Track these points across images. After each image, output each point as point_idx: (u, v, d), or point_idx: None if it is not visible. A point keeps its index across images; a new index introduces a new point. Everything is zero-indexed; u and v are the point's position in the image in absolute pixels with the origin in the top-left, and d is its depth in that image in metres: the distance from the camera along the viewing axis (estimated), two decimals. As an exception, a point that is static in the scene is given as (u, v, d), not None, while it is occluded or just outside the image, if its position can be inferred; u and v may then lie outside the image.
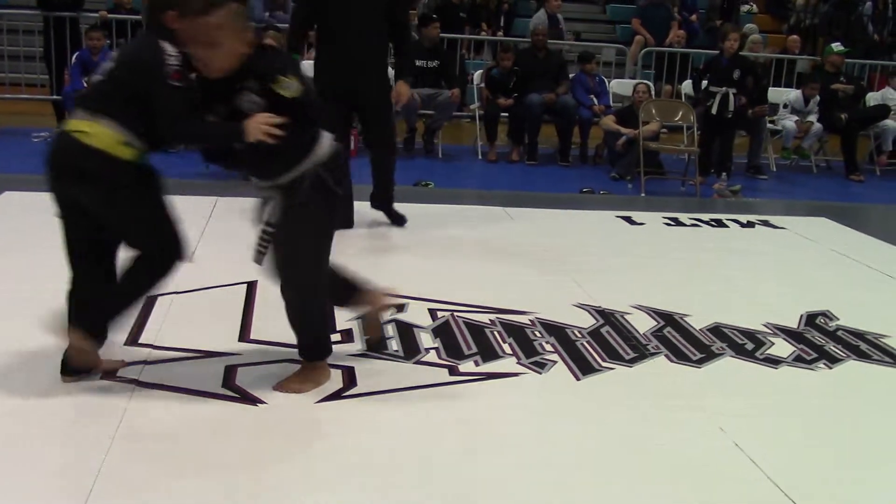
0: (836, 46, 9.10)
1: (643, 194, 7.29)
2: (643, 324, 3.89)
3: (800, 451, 2.87)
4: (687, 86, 9.06)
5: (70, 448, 2.57)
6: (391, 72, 5.84)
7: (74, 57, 7.90)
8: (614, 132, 8.00)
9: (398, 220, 5.37)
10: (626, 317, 3.96)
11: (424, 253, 4.84)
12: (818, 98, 8.80)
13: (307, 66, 4.73)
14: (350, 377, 3.16)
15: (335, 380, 3.12)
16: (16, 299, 3.69)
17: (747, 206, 6.93)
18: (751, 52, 9.79)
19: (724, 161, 7.73)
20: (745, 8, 11.94)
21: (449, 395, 3.11)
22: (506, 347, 3.52)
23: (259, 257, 2.93)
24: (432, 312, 3.84)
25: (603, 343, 3.64)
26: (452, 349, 3.46)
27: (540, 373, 3.32)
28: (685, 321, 3.95)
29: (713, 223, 6.08)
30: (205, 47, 2.66)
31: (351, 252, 4.69)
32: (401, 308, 3.77)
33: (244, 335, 3.48)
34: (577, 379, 3.30)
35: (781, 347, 3.74)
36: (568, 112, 8.32)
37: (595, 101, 8.53)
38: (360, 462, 2.61)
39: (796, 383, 3.42)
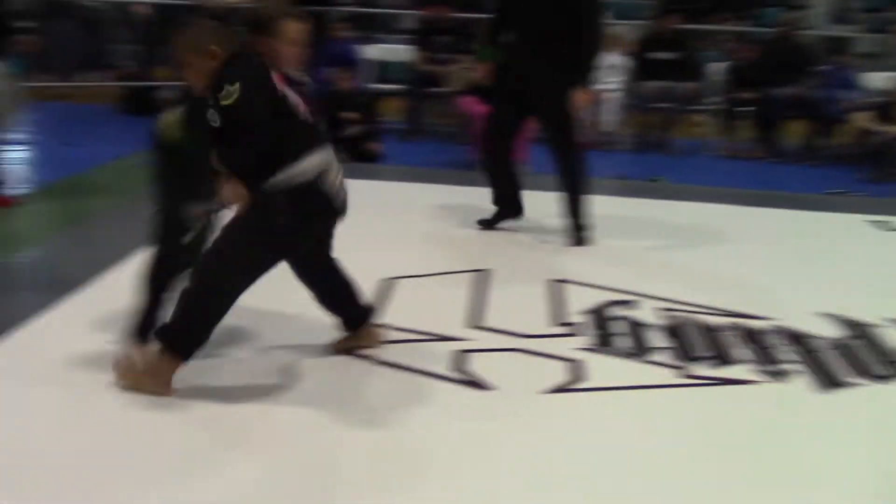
0: None
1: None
2: (898, 339, 3.57)
3: None
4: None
5: (304, 425, 2.74)
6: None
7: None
8: (868, 129, 7.39)
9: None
10: (879, 330, 3.65)
11: (657, 251, 4.71)
12: None
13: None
14: (579, 371, 3.13)
15: (562, 372, 3.10)
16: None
17: None
18: None
19: None
20: None
21: (678, 398, 3.01)
22: (743, 353, 3.35)
23: None
24: (666, 312, 3.73)
25: (851, 357, 3.38)
26: (686, 351, 3.35)
27: (779, 382, 3.14)
28: (949, 339, 3.59)
29: None
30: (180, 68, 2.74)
31: (587, 249, 4.66)
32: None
33: (474, 321, 3.54)
34: (820, 392, 3.08)
35: None
36: (817, 107, 7.79)
37: (847, 95, 7.92)
38: (575, 456, 2.58)
39: None
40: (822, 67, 8.11)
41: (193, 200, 2.87)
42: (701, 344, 3.42)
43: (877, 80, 8.38)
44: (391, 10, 9.60)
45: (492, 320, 3.54)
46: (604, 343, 3.39)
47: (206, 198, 2.86)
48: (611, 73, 8.12)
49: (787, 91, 7.71)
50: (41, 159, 6.23)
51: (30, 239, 4.50)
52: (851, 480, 2.55)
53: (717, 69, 8.39)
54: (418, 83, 8.04)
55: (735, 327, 3.60)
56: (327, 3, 8.82)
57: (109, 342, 3.05)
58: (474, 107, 6.70)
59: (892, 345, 3.51)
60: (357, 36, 8.58)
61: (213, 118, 2.61)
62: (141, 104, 8.51)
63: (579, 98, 4.52)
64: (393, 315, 3.52)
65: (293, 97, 2.74)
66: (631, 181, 6.65)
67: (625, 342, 3.41)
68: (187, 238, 2.90)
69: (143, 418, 2.65)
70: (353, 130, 6.96)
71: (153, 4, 8.53)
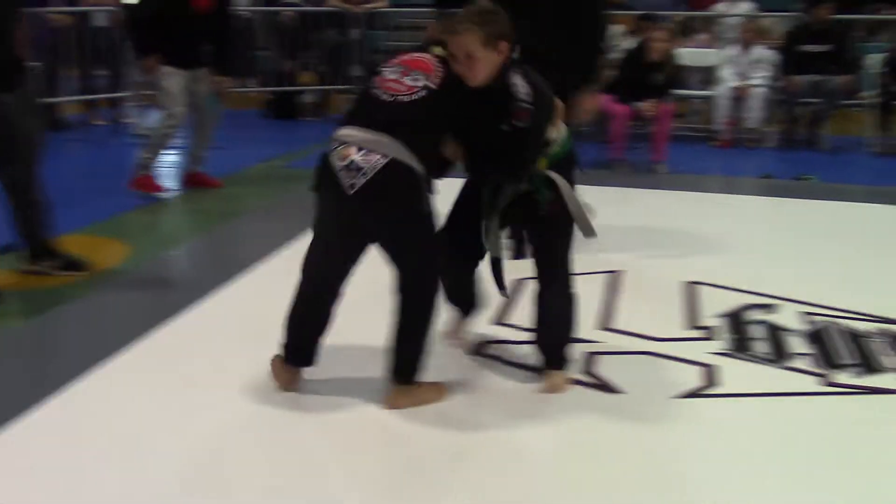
0: None
1: None
2: None
3: None
4: None
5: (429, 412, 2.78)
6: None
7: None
8: None
9: None
10: None
11: (802, 252, 4.51)
12: None
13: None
14: (712, 376, 3.04)
15: (694, 377, 3.03)
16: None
17: None
18: None
19: None
20: None
21: (818, 406, 2.87)
22: (891, 361, 3.17)
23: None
24: (807, 316, 3.57)
25: None
26: (828, 357, 3.19)
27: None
28: None
29: None
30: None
31: (720, 244, 4.52)
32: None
33: (605, 323, 3.50)
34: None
35: None
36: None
37: None
38: (708, 460, 2.50)
39: None
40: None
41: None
42: (845, 350, 3.26)
43: None
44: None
45: (623, 323, 3.49)
46: (740, 348, 3.28)
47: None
48: (757, 68, 7.83)
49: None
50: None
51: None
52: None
53: (874, 61, 7.95)
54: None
55: (883, 333, 3.41)
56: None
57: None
58: (611, 105, 6.61)
59: None
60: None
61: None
62: (285, 109, 8.87)
63: (586, 103, 4.06)
64: (524, 317, 3.52)
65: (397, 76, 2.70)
66: (776, 180, 6.40)
67: (763, 347, 3.29)
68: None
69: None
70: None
71: (298, 12, 8.85)
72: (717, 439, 2.65)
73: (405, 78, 2.59)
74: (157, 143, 5.53)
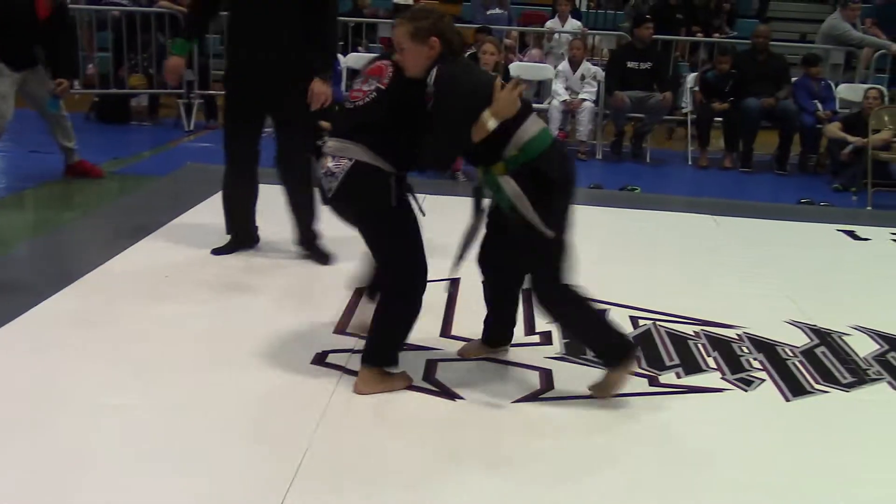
0: None
1: (869, 207, 6.78)
2: (864, 347, 3.62)
3: None
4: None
5: (278, 430, 2.72)
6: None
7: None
8: (840, 140, 7.50)
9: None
10: (845, 338, 3.70)
11: (627, 259, 4.74)
12: None
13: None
14: (548, 380, 3.15)
15: (533, 381, 3.12)
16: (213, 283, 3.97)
17: None
18: None
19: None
20: None
21: (646, 406, 3.03)
22: (710, 361, 3.39)
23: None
24: (633, 320, 3.76)
25: (817, 364, 3.42)
26: (653, 359, 3.37)
27: (746, 390, 3.17)
28: (913, 347, 3.64)
29: (950, 242, 5.56)
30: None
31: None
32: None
33: (445, 331, 3.55)
34: (787, 400, 3.12)
35: None
36: (789, 118, 7.90)
37: (819, 106, 8.03)
38: (551, 463, 2.59)
39: None
40: (794, 79, 8.20)
41: None
42: (668, 352, 3.45)
43: (846, 91, 8.51)
44: (367, 20, 9.62)
45: (463, 330, 3.55)
46: (575, 352, 3.41)
47: None
48: (586, 84, 8.18)
49: (760, 102, 7.79)
50: (7, 167, 6.22)
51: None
52: (817, 486, 2.58)
53: (691, 79, 8.48)
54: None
55: (703, 335, 3.63)
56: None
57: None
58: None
59: (857, 352, 3.55)
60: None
61: None
62: (113, 112, 8.47)
63: (318, 89, 4.03)
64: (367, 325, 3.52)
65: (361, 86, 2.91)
66: (605, 190, 6.70)
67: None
68: None
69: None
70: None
71: (126, 12, 8.49)
72: (553, 440, 2.75)
73: (364, 85, 2.86)
74: None
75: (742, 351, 3.50)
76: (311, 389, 2.96)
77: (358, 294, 3.47)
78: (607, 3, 10.77)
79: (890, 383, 3.29)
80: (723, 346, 3.53)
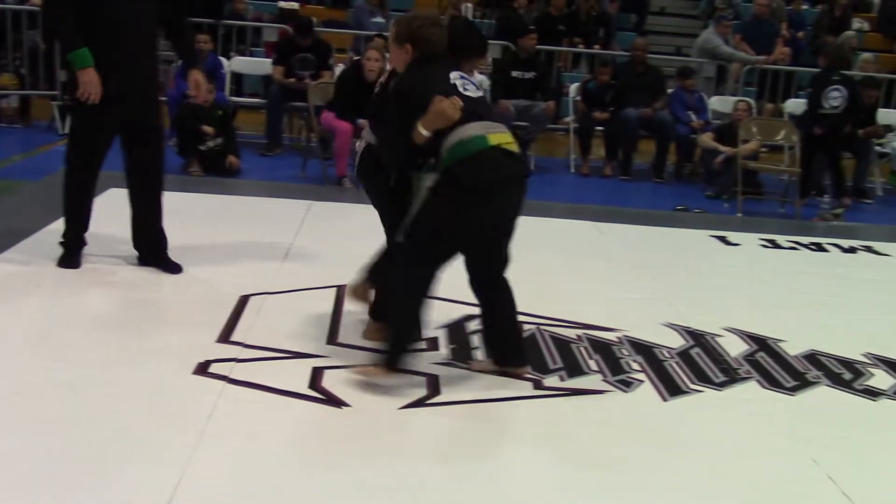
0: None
1: (740, 214, 7.11)
2: (735, 347, 3.79)
3: (895, 487, 2.75)
4: (791, 104, 8.81)
5: (158, 443, 2.65)
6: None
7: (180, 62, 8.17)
8: (712, 150, 7.83)
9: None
10: (718, 339, 3.86)
11: (511, 265, 4.81)
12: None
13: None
14: (434, 385, 3.17)
15: (420, 387, 3.13)
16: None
17: (850, 230, 6.68)
18: (861, 70, 9.46)
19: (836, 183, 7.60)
20: (855, 26, 11.52)
21: (531, 409, 3.09)
22: (592, 364, 3.48)
23: None
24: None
25: (692, 365, 3.56)
26: (537, 363, 3.44)
27: (626, 391, 3.27)
28: (779, 347, 3.83)
29: (813, 247, 5.89)
30: None
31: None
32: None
33: (332, 338, 3.53)
34: (664, 400, 3.24)
35: (882, 379, 3.59)
36: (665, 128, 8.20)
37: (693, 117, 8.37)
38: (441, 468, 2.61)
39: (896, 418, 3.28)
40: (670, 90, 8.52)
41: None
42: (552, 356, 3.52)
43: (718, 103, 8.90)
44: (252, 24, 9.47)
45: (350, 337, 3.53)
46: (462, 357, 3.44)
47: None
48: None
49: (638, 112, 8.06)
50: None
51: None
52: (694, 484, 2.68)
53: (574, 90, 8.70)
54: (277, 97, 7.95)
55: (585, 339, 3.73)
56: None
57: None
58: (335, 121, 6.69)
59: (729, 352, 3.72)
60: (215, 48, 8.41)
61: None
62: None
63: (201, 78, 4.18)
64: (250, 333, 3.46)
65: None
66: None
67: (481, 355, 3.47)
68: None
69: None
70: (211, 144, 6.83)
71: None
72: (440, 446, 2.77)
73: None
74: None
75: (622, 353, 3.61)
76: (193, 401, 2.89)
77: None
78: (493, 12, 10.91)
79: (759, 381, 3.46)
80: (604, 349, 3.63)
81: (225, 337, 3.42)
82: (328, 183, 6.85)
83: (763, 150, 7.89)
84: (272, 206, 5.64)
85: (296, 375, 3.13)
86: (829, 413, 3.26)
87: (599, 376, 3.37)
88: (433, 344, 3.54)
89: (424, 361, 3.35)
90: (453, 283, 4.23)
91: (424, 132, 2.94)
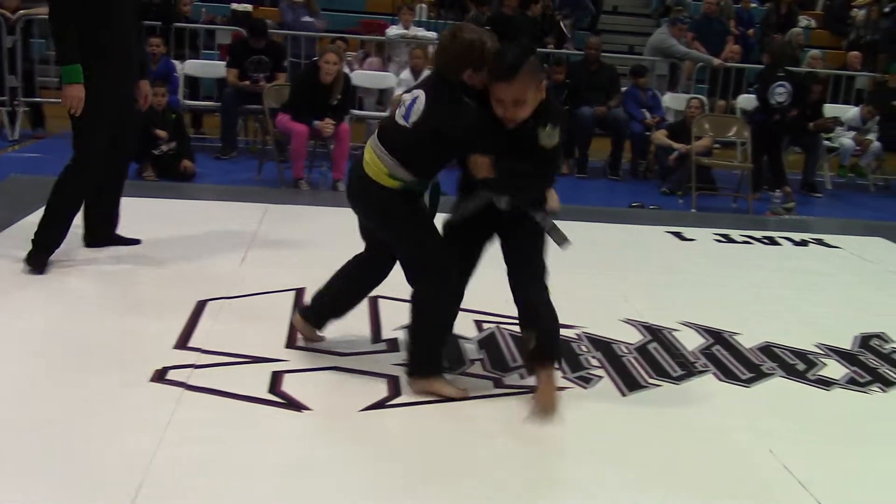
0: (904, 64, 8.94)
1: (694, 210, 7.21)
2: (692, 341, 3.84)
3: (850, 476, 2.80)
4: (742, 100, 8.96)
5: (116, 451, 2.61)
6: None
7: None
8: (666, 147, 7.94)
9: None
10: (675, 333, 3.91)
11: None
12: (877, 118, 8.66)
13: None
14: (395, 386, 3.16)
15: (380, 388, 3.13)
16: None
17: (801, 224, 6.81)
18: (810, 66, 9.65)
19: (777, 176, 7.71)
20: (802, 23, 11.76)
21: (492, 407, 3.10)
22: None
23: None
24: (478, 324, 3.83)
25: (650, 359, 3.60)
26: (498, 361, 3.45)
27: (585, 387, 3.30)
28: (735, 339, 3.89)
29: (765, 241, 5.99)
30: (512, 105, 2.83)
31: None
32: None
33: (291, 341, 3.51)
34: (623, 395, 3.27)
35: (834, 369, 3.67)
36: (619, 125, 8.28)
37: (647, 114, 8.47)
38: (403, 470, 2.61)
39: (849, 406, 3.35)
40: (624, 89, 8.62)
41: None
42: (512, 354, 3.54)
43: (671, 101, 9.02)
44: (205, 27, 9.38)
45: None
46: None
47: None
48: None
49: (593, 110, 8.14)
50: None
51: None
52: (651, 476, 2.71)
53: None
54: (232, 100, 7.89)
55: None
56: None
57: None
58: (290, 123, 6.66)
59: (685, 346, 3.77)
60: (167, 52, 8.31)
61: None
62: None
63: (147, 88, 4.50)
64: (208, 338, 3.43)
65: None
66: (445, 196, 6.79)
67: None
68: None
69: None
70: (165, 148, 6.76)
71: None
72: (403, 445, 2.76)
73: None
74: None
75: (581, 350, 3.64)
76: (151, 408, 2.85)
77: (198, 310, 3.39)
78: (447, 13, 10.95)
79: (715, 374, 3.51)
80: (563, 346, 3.64)
81: (182, 343, 3.39)
82: (284, 185, 6.82)
83: (716, 146, 8.01)
84: (228, 210, 5.58)
85: (255, 380, 3.11)
86: (785, 404, 3.32)
87: (559, 373, 3.39)
88: (393, 345, 3.54)
89: (385, 363, 3.35)
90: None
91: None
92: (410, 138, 2.95)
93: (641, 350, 3.70)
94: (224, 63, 8.15)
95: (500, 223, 3.13)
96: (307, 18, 9.23)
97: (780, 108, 7.84)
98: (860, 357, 3.82)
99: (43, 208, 4.16)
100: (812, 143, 8.41)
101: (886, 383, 3.56)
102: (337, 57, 6.71)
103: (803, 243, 5.98)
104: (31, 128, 8.06)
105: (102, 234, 4.45)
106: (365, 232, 3.28)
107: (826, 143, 8.70)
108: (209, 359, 3.25)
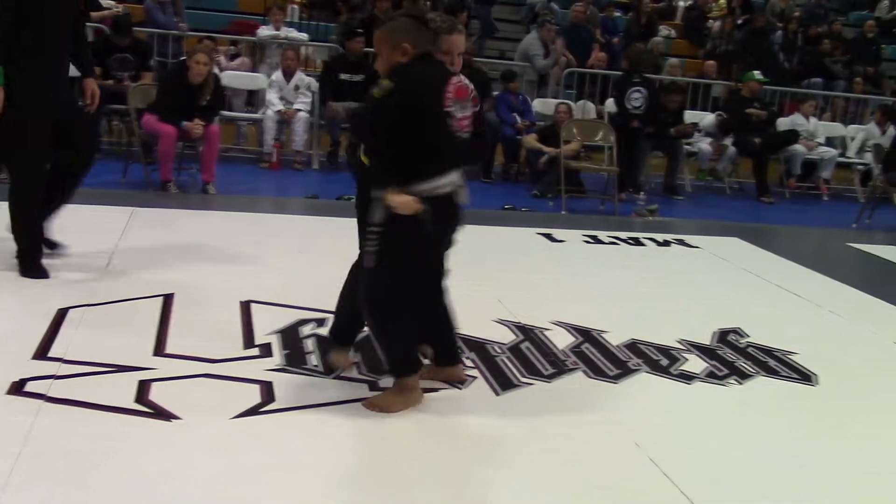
0: (757, 74, 9.42)
1: (564, 212, 7.40)
2: (562, 340, 3.94)
3: (711, 465, 2.94)
4: (610, 105, 9.25)
5: None
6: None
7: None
8: (536, 150, 8.11)
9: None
10: (546, 333, 4.00)
11: (341, 267, 4.80)
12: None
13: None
14: (268, 392, 3.11)
15: (252, 395, 3.07)
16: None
17: (664, 225, 7.10)
18: (669, 75, 10.07)
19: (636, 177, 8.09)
20: (663, 33, 12.25)
21: (368, 410, 3.09)
22: (426, 363, 3.51)
23: (369, 258, 2.98)
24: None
25: (522, 359, 3.68)
26: (373, 364, 3.44)
27: (460, 388, 3.33)
28: (603, 337, 4.02)
29: (631, 241, 6.21)
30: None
31: (273, 262, 4.65)
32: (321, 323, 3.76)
33: (159, 349, 3.40)
34: (497, 394, 3.32)
35: (695, 363, 3.83)
36: (491, 129, 8.41)
37: (518, 119, 8.64)
38: (276, 478, 2.57)
39: (708, 398, 3.51)
40: (496, 93, 8.76)
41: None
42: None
43: (540, 106, 9.23)
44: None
45: (178, 347, 3.42)
46: (295, 362, 3.40)
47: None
48: (300, 94, 8.19)
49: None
50: None
51: None
52: (524, 471, 2.77)
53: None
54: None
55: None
56: None
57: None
58: (158, 124, 6.45)
59: (556, 345, 3.86)
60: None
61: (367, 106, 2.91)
62: None
63: (96, 88, 4.45)
64: (70, 347, 3.28)
65: (460, 115, 2.94)
66: (322, 200, 6.75)
67: (315, 360, 3.44)
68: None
69: None
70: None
71: None
72: (276, 452, 2.72)
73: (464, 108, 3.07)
74: None
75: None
76: (6, 423, 2.70)
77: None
78: (319, 14, 10.84)
79: (585, 372, 3.61)
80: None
81: (42, 353, 3.23)
82: (151, 188, 6.60)
83: (583, 150, 8.25)
84: (92, 214, 5.35)
85: (121, 389, 2.99)
86: (650, 398, 3.45)
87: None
88: (266, 350, 3.48)
89: (257, 368, 3.29)
90: (286, 288, 4.19)
91: None
92: None
93: (514, 349, 3.77)
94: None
95: None
96: (175, 18, 8.99)
97: (637, 112, 8.23)
98: (718, 351, 4.01)
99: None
100: (673, 148, 8.78)
101: (742, 376, 3.75)
102: (207, 57, 6.55)
103: (666, 244, 6.24)
104: None
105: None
106: None
107: (686, 147, 9.09)
108: (71, 369, 3.11)
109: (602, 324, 4.16)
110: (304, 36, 9.38)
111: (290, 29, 9.40)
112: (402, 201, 2.84)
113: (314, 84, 8.28)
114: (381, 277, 2.97)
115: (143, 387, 3.04)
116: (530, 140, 8.23)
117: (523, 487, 2.67)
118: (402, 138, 2.87)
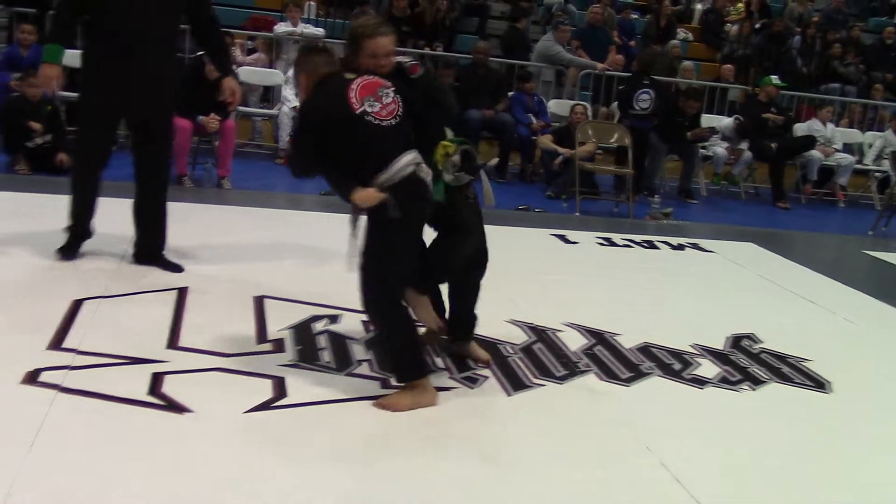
0: (775, 79, 9.37)
1: (578, 214, 7.39)
2: (574, 341, 3.93)
3: (723, 470, 2.93)
4: (614, 106, 9.22)
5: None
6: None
7: (2, 53, 7.73)
8: (551, 151, 8.10)
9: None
10: (558, 334, 4.00)
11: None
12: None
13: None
14: (280, 388, 3.12)
15: (265, 390, 3.08)
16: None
17: (678, 229, 7.07)
18: (683, 78, 10.03)
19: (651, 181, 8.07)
20: (680, 36, 12.20)
21: (378, 409, 3.09)
22: (438, 361, 3.52)
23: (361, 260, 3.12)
24: (366, 324, 3.82)
25: (535, 359, 3.67)
26: (384, 362, 3.44)
27: (472, 388, 3.33)
28: (615, 340, 4.01)
29: (645, 244, 6.19)
30: None
31: (286, 258, 4.66)
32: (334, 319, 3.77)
33: (173, 342, 3.41)
34: (509, 395, 3.32)
35: (707, 368, 3.82)
36: (506, 129, 8.40)
37: (533, 119, 8.63)
38: (287, 472, 2.58)
39: (721, 404, 3.50)
40: (511, 93, 8.75)
41: None
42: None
43: (556, 107, 9.21)
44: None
45: (192, 340, 3.43)
46: (308, 358, 3.41)
47: None
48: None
49: (481, 113, 8.22)
50: None
51: None
52: (532, 471, 2.76)
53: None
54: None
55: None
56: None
57: None
58: (174, 119, 6.46)
59: (569, 346, 3.85)
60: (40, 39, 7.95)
61: None
62: None
63: (235, 86, 4.55)
64: (84, 339, 3.30)
65: (377, 107, 2.98)
66: (335, 196, 6.74)
67: (328, 356, 3.45)
68: None
69: None
70: (39, 140, 6.47)
71: None
72: (288, 448, 2.73)
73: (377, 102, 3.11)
74: None
75: (468, 350, 3.67)
76: (22, 412, 2.72)
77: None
78: (336, 11, 10.85)
79: (597, 374, 3.60)
80: (449, 348, 3.67)
81: (56, 344, 3.25)
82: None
83: (598, 152, 8.23)
84: (108, 207, 5.35)
85: (134, 381, 3.01)
86: (662, 402, 3.44)
87: (446, 374, 3.42)
88: (279, 345, 3.48)
89: (270, 363, 3.30)
90: (300, 284, 4.19)
91: None
92: None
93: (527, 350, 3.76)
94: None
95: None
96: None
97: (643, 115, 8.22)
98: (732, 357, 3.99)
99: None
100: (689, 152, 8.74)
101: (755, 382, 3.73)
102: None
103: (680, 247, 6.22)
104: None
105: (147, 255, 4.32)
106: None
107: (702, 151, 9.06)
108: (85, 360, 3.13)
109: (615, 326, 4.15)
110: (320, 32, 9.38)
111: (307, 25, 9.41)
112: (364, 195, 2.98)
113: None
114: (378, 276, 3.06)
115: (157, 379, 3.05)
116: (545, 141, 8.21)
117: (533, 489, 2.67)
118: (330, 153, 3.01)
